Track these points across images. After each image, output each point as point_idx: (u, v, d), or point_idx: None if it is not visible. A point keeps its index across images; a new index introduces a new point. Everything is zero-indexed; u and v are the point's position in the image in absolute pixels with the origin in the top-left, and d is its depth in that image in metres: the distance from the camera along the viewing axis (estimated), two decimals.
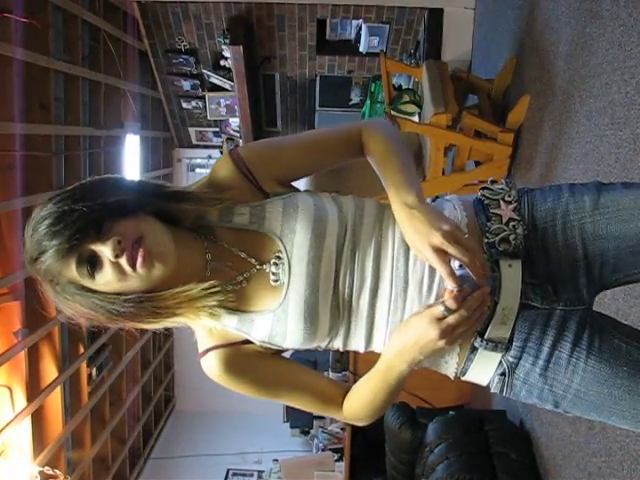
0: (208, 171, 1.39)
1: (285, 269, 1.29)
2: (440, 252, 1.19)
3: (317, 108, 7.04)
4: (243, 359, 1.32)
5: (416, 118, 4.63)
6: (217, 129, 7.43)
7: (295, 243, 1.28)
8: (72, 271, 1.20)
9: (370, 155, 1.38)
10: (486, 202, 1.35)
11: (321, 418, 6.71)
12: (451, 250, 1.18)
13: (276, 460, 7.16)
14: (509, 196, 1.35)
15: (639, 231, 1.29)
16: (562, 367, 1.27)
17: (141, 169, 6.89)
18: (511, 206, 1.34)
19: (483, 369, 1.31)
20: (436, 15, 6.04)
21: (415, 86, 5.55)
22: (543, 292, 1.30)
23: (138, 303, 1.24)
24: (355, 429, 5.17)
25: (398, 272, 1.28)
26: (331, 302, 1.29)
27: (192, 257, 1.30)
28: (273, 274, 1.30)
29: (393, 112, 4.45)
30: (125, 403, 6.54)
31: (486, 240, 1.30)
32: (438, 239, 1.19)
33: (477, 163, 4.56)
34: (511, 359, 1.29)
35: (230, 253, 1.32)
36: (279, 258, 1.29)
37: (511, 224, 1.31)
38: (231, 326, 1.32)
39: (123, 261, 1.19)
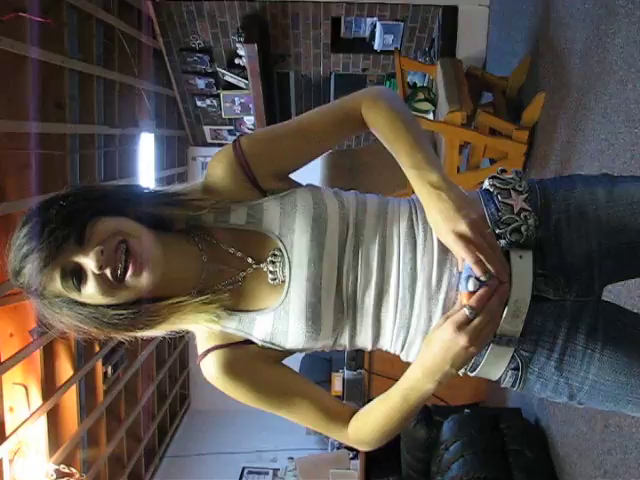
0: None
1: (284, 267, 1.26)
2: (464, 239, 1.16)
3: None
4: (244, 361, 1.28)
5: (431, 116, 4.64)
6: (232, 127, 7.44)
7: (295, 242, 1.26)
8: (57, 285, 1.16)
9: (376, 130, 1.31)
10: (496, 192, 1.30)
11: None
12: (476, 240, 1.16)
13: (291, 458, 7.17)
14: (520, 186, 1.30)
15: None
16: (577, 359, 1.25)
17: (156, 167, 6.91)
18: (522, 196, 1.28)
19: (495, 364, 1.27)
20: (450, 12, 6.03)
21: (430, 84, 5.55)
22: (555, 284, 1.27)
23: (130, 315, 1.20)
24: None
25: (405, 267, 1.25)
26: (334, 301, 1.26)
27: (185, 261, 1.27)
28: (270, 272, 1.27)
29: None
30: (140, 401, 6.56)
31: (497, 230, 1.25)
32: (464, 226, 1.16)
33: (492, 161, 4.56)
34: (525, 353, 1.26)
35: (227, 253, 1.29)
36: (276, 256, 1.27)
37: (522, 214, 1.25)
38: (231, 327, 1.29)
39: (108, 272, 1.15)
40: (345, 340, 1.31)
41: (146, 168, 6.60)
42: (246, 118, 7.18)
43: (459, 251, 1.18)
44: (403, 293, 1.25)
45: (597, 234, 1.29)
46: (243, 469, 8.11)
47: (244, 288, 1.29)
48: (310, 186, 1.36)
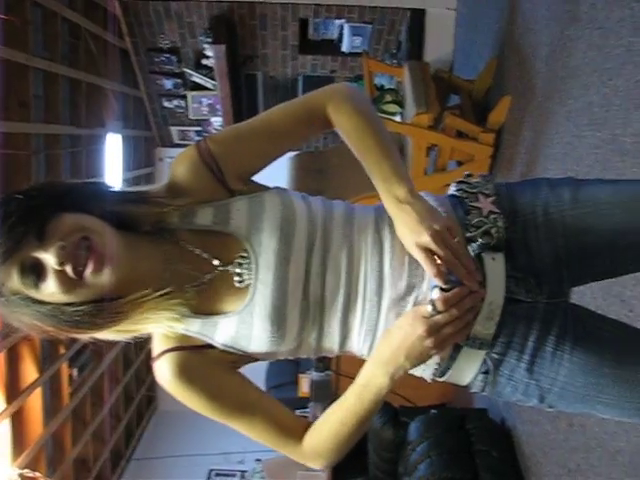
0: None
1: (251, 269, 1.23)
2: (428, 251, 1.18)
3: None
4: (201, 366, 1.24)
5: (398, 118, 4.66)
6: (199, 128, 7.41)
7: (262, 243, 1.23)
8: (15, 281, 1.12)
9: (342, 132, 1.30)
10: (464, 195, 1.31)
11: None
12: (438, 251, 1.17)
13: (259, 460, 7.13)
14: (487, 189, 1.32)
15: (616, 226, 1.30)
16: (547, 361, 1.25)
17: (123, 168, 6.86)
18: (490, 199, 1.30)
19: (466, 368, 1.27)
20: (418, 15, 6.07)
21: (397, 86, 5.57)
22: (526, 285, 1.28)
23: (89, 311, 1.16)
24: None
25: (372, 272, 1.24)
26: (301, 304, 1.23)
27: (148, 261, 1.23)
28: (237, 275, 1.24)
29: None
30: (107, 404, 6.50)
31: (467, 234, 1.26)
32: (426, 238, 1.17)
33: (459, 163, 4.59)
34: (496, 356, 1.25)
35: (192, 255, 1.25)
36: (243, 257, 1.24)
37: (492, 217, 1.27)
38: (193, 330, 1.24)
39: (69, 269, 1.12)
40: (310, 345, 1.28)
41: (113, 169, 6.54)
42: (213, 119, 7.16)
43: (421, 263, 1.20)
44: (371, 296, 1.24)
45: (563, 235, 1.30)
46: (210, 471, 8.09)
47: (209, 290, 1.25)
48: (278, 189, 1.33)
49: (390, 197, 1.23)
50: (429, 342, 1.15)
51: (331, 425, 1.25)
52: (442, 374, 1.30)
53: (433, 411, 4.42)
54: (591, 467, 2.86)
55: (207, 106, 7.02)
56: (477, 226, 1.27)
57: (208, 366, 1.24)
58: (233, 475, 8.11)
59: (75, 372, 5.55)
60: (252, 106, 6.99)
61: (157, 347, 1.25)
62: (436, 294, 1.17)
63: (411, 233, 1.20)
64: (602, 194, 1.33)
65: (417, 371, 1.29)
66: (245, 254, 1.24)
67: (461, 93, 4.83)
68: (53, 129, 5.03)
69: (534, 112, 3.83)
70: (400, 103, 4.63)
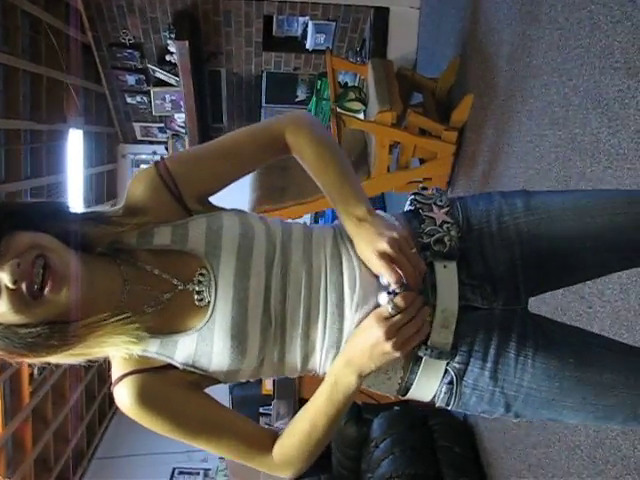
0: None
1: (211, 287, 1.23)
2: (385, 257, 1.20)
3: (263, 104, 7.03)
4: (161, 388, 1.21)
5: (361, 115, 4.65)
6: (162, 125, 7.35)
7: (221, 260, 1.23)
8: None
9: (300, 158, 1.34)
10: (418, 206, 1.35)
11: (267, 415, 6.70)
12: (395, 256, 1.19)
13: (222, 458, 7.12)
14: (440, 200, 1.36)
15: (569, 231, 1.33)
16: (511, 367, 1.26)
17: (85, 164, 6.78)
18: (443, 210, 1.34)
19: (428, 380, 1.28)
20: (382, 14, 6.09)
21: (361, 84, 5.57)
22: (482, 292, 1.30)
23: (44, 335, 1.12)
24: None
25: (332, 285, 1.25)
26: (261, 320, 1.22)
27: (106, 282, 1.20)
28: (197, 293, 1.23)
29: (339, 109, 4.45)
30: (68, 402, 6.43)
31: (420, 241, 1.29)
32: (383, 245, 1.20)
33: (422, 161, 4.60)
34: (458, 365, 1.26)
35: (151, 275, 1.23)
36: (203, 275, 1.23)
37: (445, 226, 1.31)
38: (152, 351, 1.22)
39: (24, 287, 1.08)
40: (273, 362, 1.27)
41: (74, 165, 6.47)
42: (177, 115, 7.10)
43: (379, 269, 1.21)
44: (332, 309, 1.24)
45: (518, 242, 1.33)
46: (174, 470, 8.05)
47: (169, 309, 1.23)
48: (235, 210, 1.35)
49: (349, 217, 1.27)
50: (389, 345, 1.17)
51: (302, 429, 1.25)
52: (406, 391, 1.32)
53: (396, 408, 4.44)
54: (551, 462, 2.90)
55: (170, 102, 6.97)
56: (430, 234, 1.30)
57: (169, 388, 1.22)
58: (197, 473, 8.08)
59: (36, 370, 5.48)
60: (216, 103, 6.97)
61: (115, 371, 1.22)
62: (383, 299, 1.20)
63: (369, 244, 1.22)
64: (554, 202, 1.37)
65: (383, 388, 1.32)
66: (204, 272, 1.24)
67: (424, 91, 4.84)
68: (13, 124, 4.96)
69: (496, 110, 3.86)
70: (363, 101, 4.63)
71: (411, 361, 1.27)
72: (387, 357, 1.19)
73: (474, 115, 4.25)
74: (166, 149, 7.33)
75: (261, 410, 6.71)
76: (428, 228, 1.31)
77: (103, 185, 7.63)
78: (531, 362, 1.26)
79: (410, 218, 1.35)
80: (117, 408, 1.21)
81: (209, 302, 1.23)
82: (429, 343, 1.24)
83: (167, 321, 1.24)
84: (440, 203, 1.35)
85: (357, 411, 4.48)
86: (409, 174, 4.50)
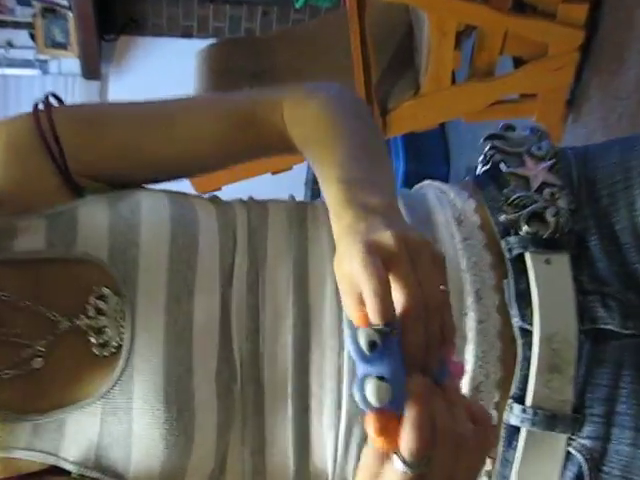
0: None
1: (121, 319, 0.73)
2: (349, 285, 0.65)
3: None
4: None
5: None
6: None
7: (140, 269, 0.75)
8: None
9: (298, 137, 0.84)
10: (499, 158, 0.88)
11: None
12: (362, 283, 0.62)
13: None
14: (539, 148, 0.88)
15: None
16: None
17: None
18: (544, 163, 0.86)
19: (536, 473, 0.75)
20: None
21: None
22: (621, 305, 0.78)
23: None
24: None
25: (336, 297, 0.77)
26: (217, 369, 0.73)
27: None
28: (95, 332, 0.73)
29: None
30: None
31: (501, 217, 0.82)
32: (352, 264, 0.64)
33: (517, 62, 2.98)
34: (589, 443, 0.75)
35: (12, 309, 0.74)
36: (104, 299, 0.74)
37: (547, 191, 0.82)
38: (20, 446, 0.71)
39: None
40: (242, 457, 0.75)
41: None
42: None
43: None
44: (332, 342, 0.76)
45: None
46: None
47: (45, 369, 0.74)
48: (165, 190, 0.87)
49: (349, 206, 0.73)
50: None
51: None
52: None
53: None
54: None
55: None
56: (520, 205, 0.83)
57: None
58: None
59: None
60: None
61: None
62: (370, 393, 0.55)
63: (337, 264, 0.70)
64: None
65: None
66: (107, 291, 0.75)
67: None
68: None
69: None
70: None
71: (502, 438, 0.77)
72: None
73: None
74: (32, 37, 4.69)
75: None
76: (516, 195, 0.84)
77: None
78: None
79: (483, 183, 0.89)
80: None
81: (119, 347, 0.74)
82: (530, 402, 0.75)
83: (43, 389, 0.75)
84: (539, 153, 0.88)
85: None
86: (495, 86, 2.88)
